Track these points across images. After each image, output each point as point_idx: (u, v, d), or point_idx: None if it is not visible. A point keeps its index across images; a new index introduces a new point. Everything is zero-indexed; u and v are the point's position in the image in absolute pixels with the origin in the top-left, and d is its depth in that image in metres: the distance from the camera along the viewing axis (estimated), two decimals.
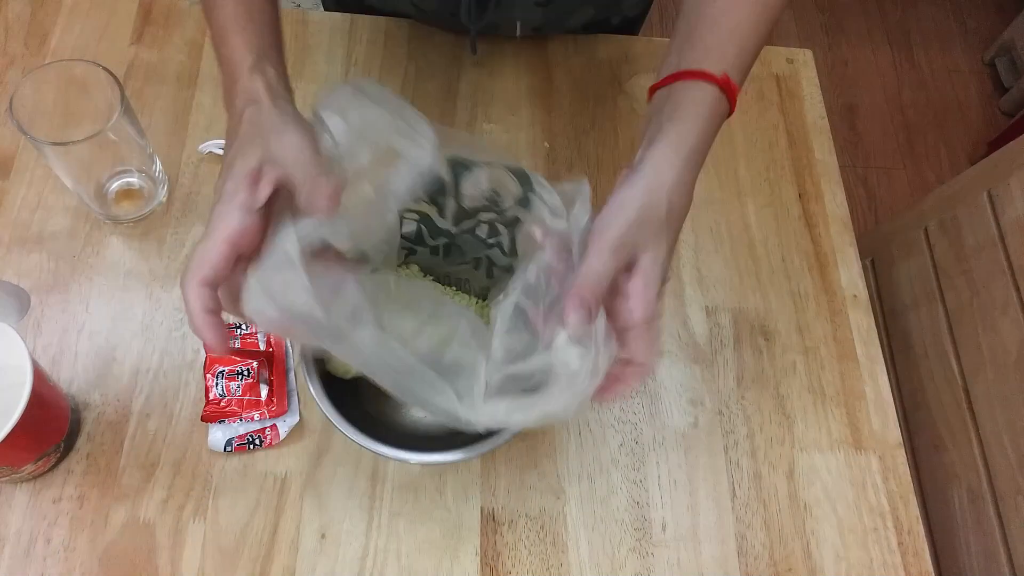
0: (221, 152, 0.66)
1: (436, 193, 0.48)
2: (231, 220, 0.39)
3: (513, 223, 0.49)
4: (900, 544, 0.59)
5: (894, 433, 0.63)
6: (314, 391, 0.50)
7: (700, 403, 0.63)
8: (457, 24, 0.68)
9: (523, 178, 0.45)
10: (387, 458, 0.56)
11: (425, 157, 0.41)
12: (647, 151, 0.43)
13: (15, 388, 0.47)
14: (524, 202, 0.46)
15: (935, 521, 1.07)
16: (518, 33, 0.73)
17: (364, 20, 0.76)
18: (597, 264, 0.40)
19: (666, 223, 0.41)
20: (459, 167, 0.45)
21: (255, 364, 0.58)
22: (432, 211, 0.50)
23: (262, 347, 0.60)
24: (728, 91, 0.44)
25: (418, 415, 0.58)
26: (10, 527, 0.53)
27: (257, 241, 0.40)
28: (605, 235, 0.40)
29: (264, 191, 0.39)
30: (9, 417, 0.46)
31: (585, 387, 0.38)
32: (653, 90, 0.47)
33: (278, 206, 0.41)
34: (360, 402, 0.57)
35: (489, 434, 0.51)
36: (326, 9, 0.80)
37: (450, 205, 0.48)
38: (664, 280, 0.41)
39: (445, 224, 0.51)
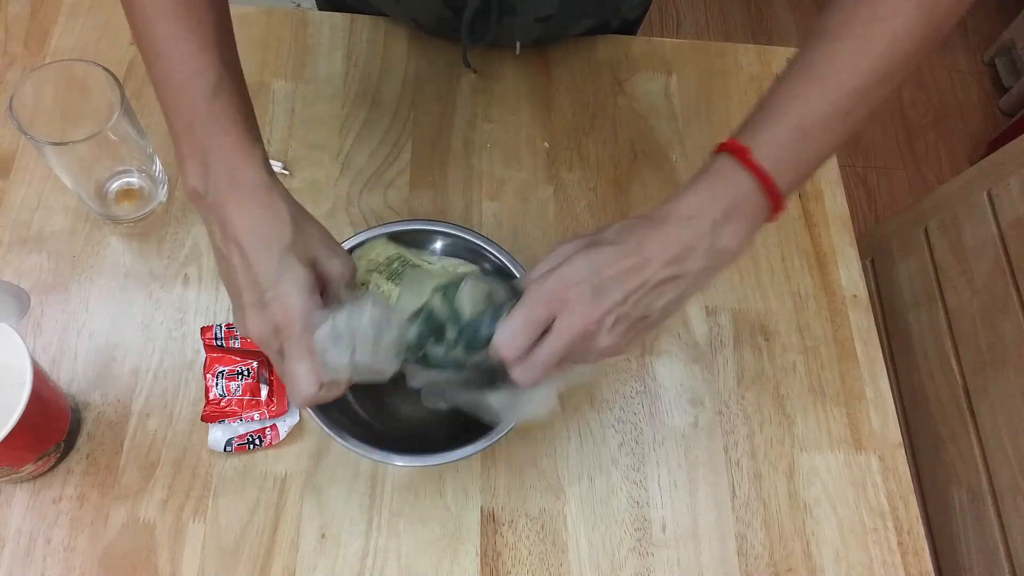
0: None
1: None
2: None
3: None
4: (900, 544, 0.59)
5: (894, 433, 0.63)
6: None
7: (700, 403, 0.63)
8: (458, 40, 0.68)
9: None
10: (373, 461, 0.56)
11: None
12: None
13: (15, 388, 0.47)
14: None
15: (935, 521, 1.07)
16: (517, 51, 0.73)
17: (364, 20, 0.76)
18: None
19: (598, 243, 0.42)
20: (450, 289, 0.44)
21: (255, 364, 0.58)
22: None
23: None
24: (735, 152, 0.41)
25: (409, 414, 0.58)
26: (10, 527, 0.53)
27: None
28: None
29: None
30: (9, 417, 0.46)
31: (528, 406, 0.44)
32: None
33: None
34: (358, 402, 0.57)
35: (482, 436, 0.51)
36: (320, 9, 0.80)
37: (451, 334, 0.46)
38: (592, 291, 0.40)
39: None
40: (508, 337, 0.41)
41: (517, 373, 0.42)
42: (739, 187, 0.41)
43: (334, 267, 0.42)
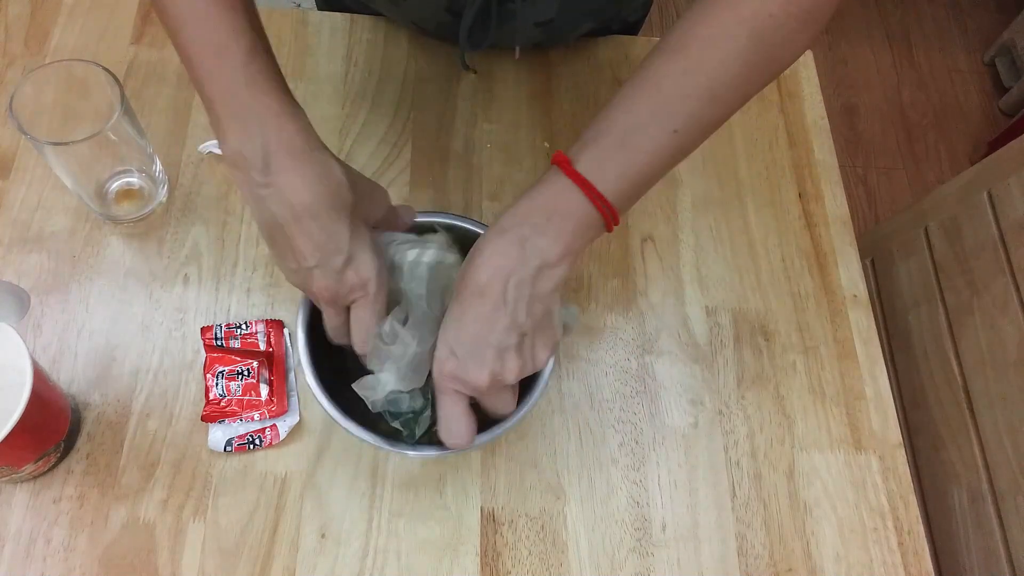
0: (221, 152, 0.66)
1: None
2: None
3: None
4: (900, 544, 0.59)
5: (894, 433, 0.63)
6: (314, 388, 0.50)
7: (700, 403, 0.63)
8: (456, 42, 0.68)
9: None
10: (385, 451, 0.56)
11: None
12: None
13: (15, 388, 0.47)
14: None
15: (935, 521, 1.07)
16: (517, 55, 0.73)
17: (364, 20, 0.76)
18: None
19: (455, 293, 0.44)
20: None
21: (255, 364, 0.58)
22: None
23: (262, 347, 0.60)
24: (559, 164, 0.43)
25: None
26: (10, 527, 0.53)
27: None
28: None
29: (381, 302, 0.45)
30: (9, 417, 0.46)
31: None
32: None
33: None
34: (360, 401, 0.57)
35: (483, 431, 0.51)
36: (320, 9, 0.80)
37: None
38: (467, 354, 0.42)
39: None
40: (458, 437, 0.44)
41: (500, 416, 0.47)
42: (561, 195, 0.42)
43: (380, 214, 0.47)
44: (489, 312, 0.41)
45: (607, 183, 0.42)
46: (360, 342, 0.45)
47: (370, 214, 0.45)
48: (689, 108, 0.43)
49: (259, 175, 0.41)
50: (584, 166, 0.42)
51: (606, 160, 0.43)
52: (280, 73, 0.43)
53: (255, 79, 0.41)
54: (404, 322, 0.46)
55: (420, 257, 0.48)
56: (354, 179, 0.44)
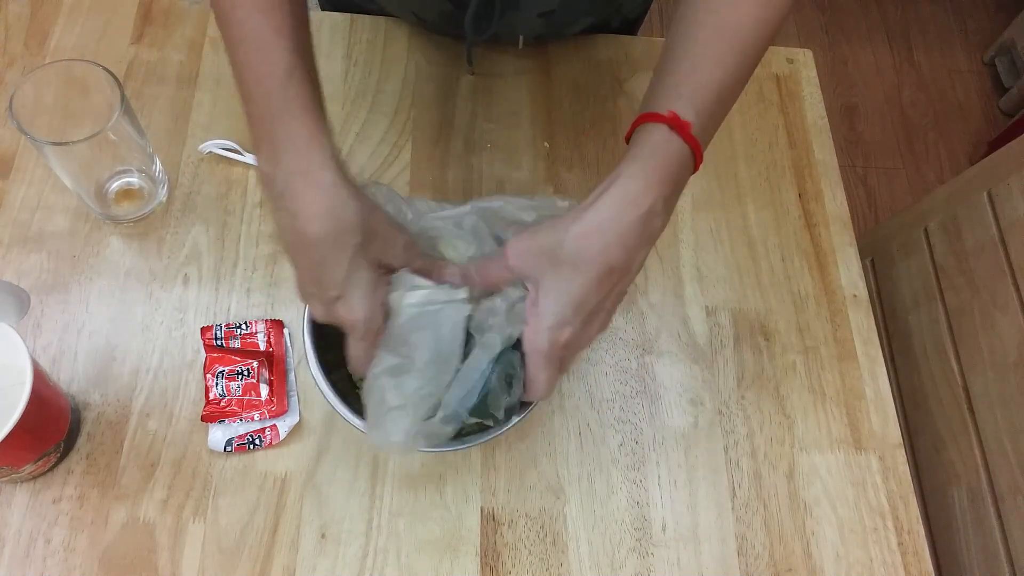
0: (221, 152, 0.66)
1: None
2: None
3: None
4: (900, 544, 0.59)
5: (894, 433, 0.63)
6: (318, 379, 0.50)
7: (700, 403, 0.63)
8: (459, 35, 0.68)
9: None
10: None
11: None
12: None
13: (15, 388, 0.47)
14: None
15: (935, 521, 1.07)
16: (520, 45, 0.73)
17: (364, 20, 0.76)
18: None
19: (563, 262, 0.42)
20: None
21: (255, 364, 0.58)
22: None
23: (262, 347, 0.60)
24: (678, 128, 0.42)
25: None
26: (10, 527, 0.53)
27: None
28: (506, 251, 0.44)
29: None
30: (9, 417, 0.46)
31: None
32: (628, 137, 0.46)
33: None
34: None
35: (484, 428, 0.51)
36: (323, 9, 0.80)
37: None
38: (582, 323, 0.42)
39: None
40: (544, 392, 0.44)
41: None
42: (681, 164, 0.43)
43: (398, 259, 0.45)
44: (612, 283, 0.42)
45: (705, 143, 0.43)
46: (351, 364, 0.45)
47: (385, 256, 0.44)
48: (761, 53, 0.45)
49: (277, 198, 0.42)
50: (696, 129, 0.42)
51: (708, 122, 0.43)
52: (318, 98, 0.43)
53: (287, 106, 0.42)
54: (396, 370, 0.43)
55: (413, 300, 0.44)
56: (372, 221, 0.43)
